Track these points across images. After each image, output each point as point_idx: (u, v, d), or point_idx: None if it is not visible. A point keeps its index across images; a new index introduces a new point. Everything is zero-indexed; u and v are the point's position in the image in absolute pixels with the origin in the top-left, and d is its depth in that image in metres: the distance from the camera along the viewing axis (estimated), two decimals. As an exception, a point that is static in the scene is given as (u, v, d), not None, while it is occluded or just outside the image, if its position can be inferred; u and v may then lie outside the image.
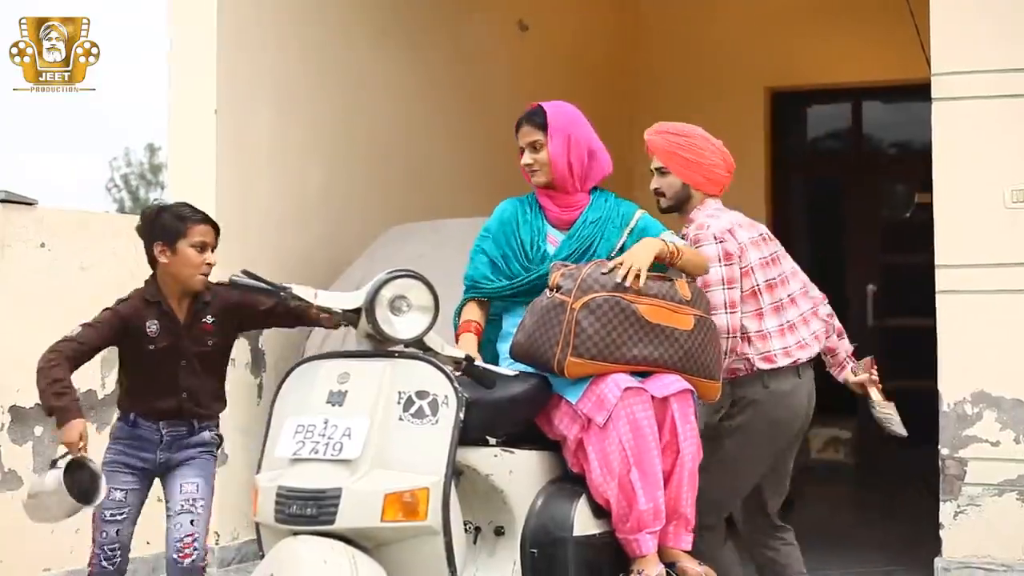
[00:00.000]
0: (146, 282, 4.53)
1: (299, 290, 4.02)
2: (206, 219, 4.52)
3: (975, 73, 6.15)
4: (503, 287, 4.55)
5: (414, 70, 8.36)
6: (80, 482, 4.12)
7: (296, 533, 3.64)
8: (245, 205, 6.80)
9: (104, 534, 4.41)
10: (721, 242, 4.75)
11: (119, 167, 39.98)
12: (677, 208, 4.95)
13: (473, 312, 4.58)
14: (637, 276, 4.26)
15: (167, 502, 4.48)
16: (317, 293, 4.05)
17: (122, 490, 4.42)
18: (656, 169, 4.94)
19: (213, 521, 6.40)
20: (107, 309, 4.44)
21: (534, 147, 4.58)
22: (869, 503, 9.47)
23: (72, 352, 4.24)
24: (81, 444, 4.11)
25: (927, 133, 6.28)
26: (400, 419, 3.76)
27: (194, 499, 4.45)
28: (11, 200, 5.68)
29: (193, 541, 4.40)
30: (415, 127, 8.35)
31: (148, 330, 4.41)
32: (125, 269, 5.90)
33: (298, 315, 4.48)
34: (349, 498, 3.61)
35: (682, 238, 4.73)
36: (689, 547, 4.35)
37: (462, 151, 8.72)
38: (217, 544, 6.44)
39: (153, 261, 4.49)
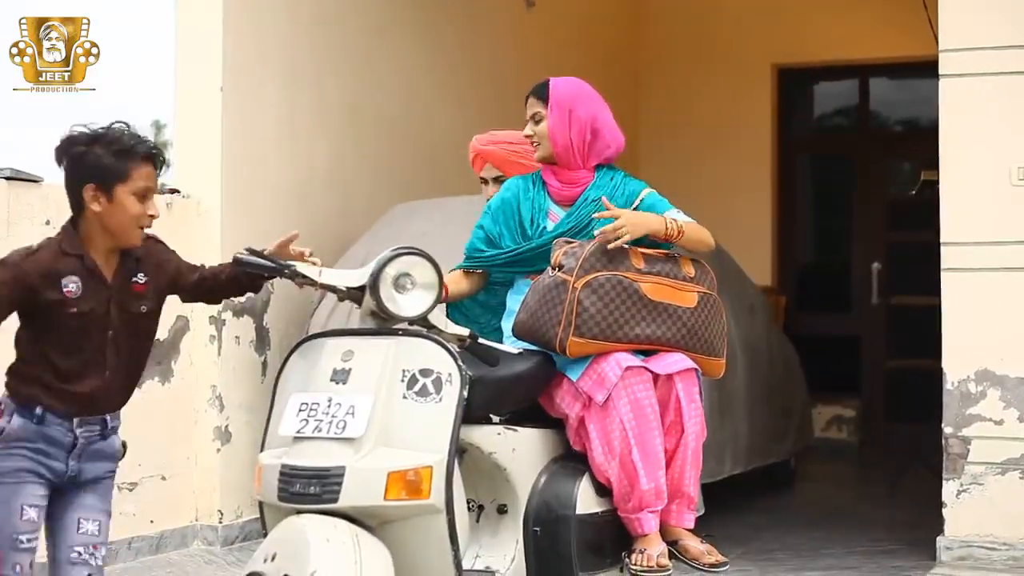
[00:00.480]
0: (64, 229, 3.68)
1: (303, 268, 4.01)
2: (150, 156, 3.67)
3: (982, 50, 6.14)
4: (495, 255, 4.54)
5: (421, 47, 8.34)
6: None
7: (299, 512, 3.63)
8: (251, 182, 6.80)
9: (18, 568, 3.52)
10: None
11: (125, 143, 39.94)
12: None
13: (451, 279, 4.55)
14: (617, 239, 4.23)
15: (56, 534, 3.64)
16: (321, 271, 4.03)
17: (36, 507, 3.55)
18: (493, 179, 5.03)
19: (217, 500, 6.47)
20: (3, 264, 3.56)
21: (535, 119, 4.57)
22: (872, 482, 9.48)
23: None
24: None
25: (934, 110, 6.27)
26: (404, 397, 3.76)
27: (95, 545, 3.65)
28: (17, 178, 5.68)
29: None
30: (422, 105, 8.34)
31: (65, 289, 3.56)
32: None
33: (233, 285, 3.97)
34: (352, 477, 3.61)
35: None
36: (692, 525, 4.36)
37: (469, 129, 8.62)
38: (221, 523, 6.46)
39: (78, 205, 3.65)
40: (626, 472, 4.16)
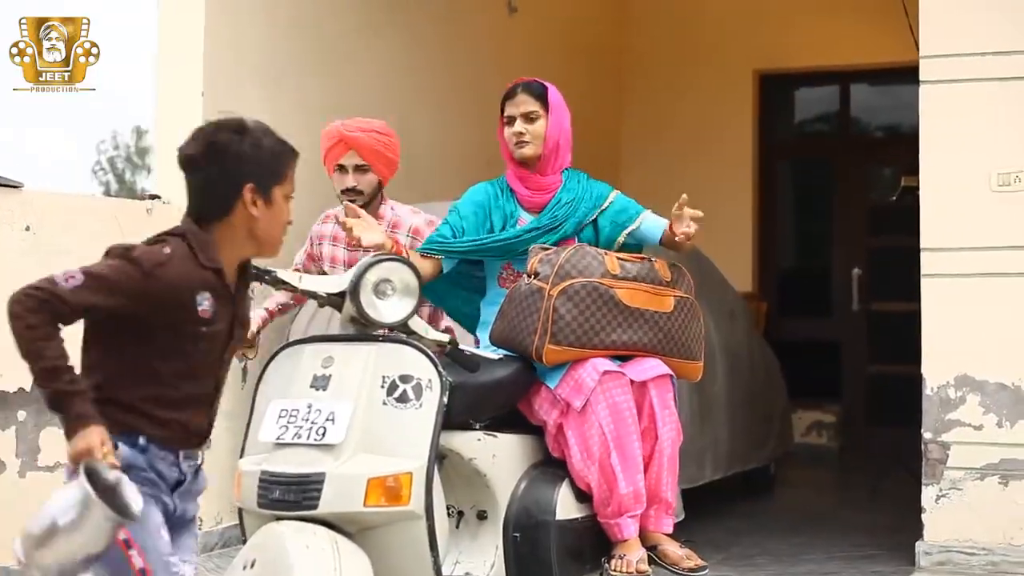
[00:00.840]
0: (194, 234, 3.12)
1: (283, 274, 4.00)
2: (296, 155, 3.25)
3: (963, 56, 6.15)
4: (457, 242, 4.49)
5: (403, 51, 8.34)
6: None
7: (279, 518, 3.63)
8: (231, 187, 6.78)
9: None
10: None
11: (106, 150, 39.84)
12: (366, 205, 5.02)
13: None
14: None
15: None
16: (302, 277, 4.04)
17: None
18: (354, 167, 4.99)
19: (197, 505, 6.44)
20: (125, 258, 2.99)
21: (529, 118, 4.52)
22: (852, 487, 9.49)
23: (55, 315, 2.87)
24: (105, 450, 2.84)
25: (914, 116, 6.28)
26: (384, 403, 3.76)
27: None
28: (-4, 183, 5.66)
29: None
30: (403, 109, 8.33)
31: (199, 308, 3.05)
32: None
33: None
34: (332, 483, 3.61)
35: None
36: (670, 530, 4.37)
37: (450, 133, 8.70)
38: (200, 529, 6.41)
39: (227, 207, 3.12)
40: (605, 476, 4.17)
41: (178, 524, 3.19)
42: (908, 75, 6.68)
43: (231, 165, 3.10)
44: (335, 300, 3.98)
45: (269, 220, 3.14)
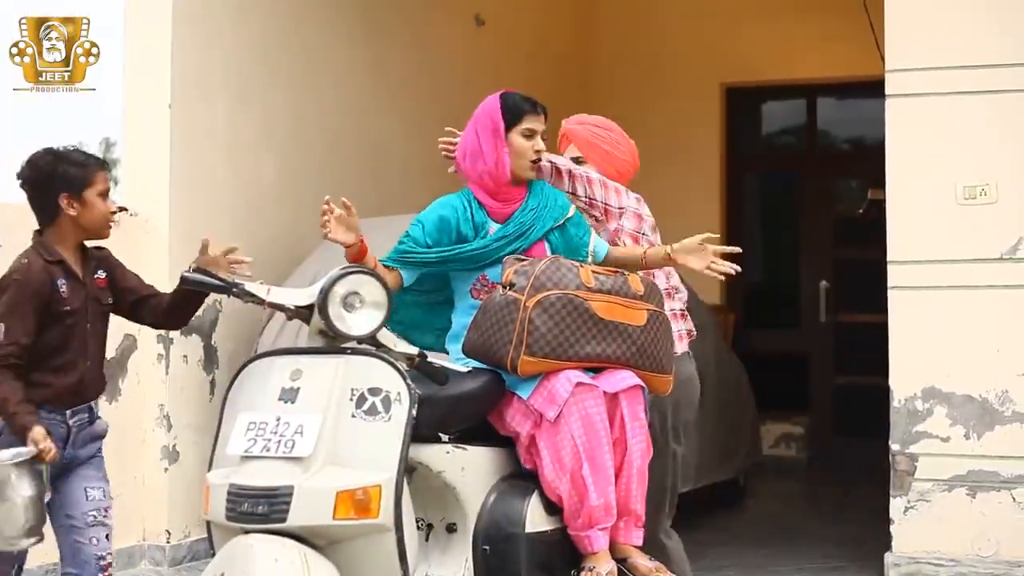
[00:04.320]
0: (36, 242, 4.13)
1: (251, 287, 4.00)
2: (104, 164, 4.24)
3: (928, 70, 6.19)
4: (426, 252, 4.42)
5: (369, 63, 8.34)
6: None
7: (247, 531, 3.62)
8: (199, 199, 6.77)
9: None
10: None
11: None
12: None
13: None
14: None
15: (68, 508, 4.12)
16: (270, 289, 4.03)
17: None
18: (572, 159, 4.95)
19: (164, 519, 6.42)
20: (4, 284, 4.01)
21: (543, 137, 4.55)
22: (821, 498, 9.52)
23: (15, 360, 3.92)
24: (44, 445, 3.86)
25: (881, 129, 6.32)
26: (352, 416, 3.75)
27: (104, 508, 4.16)
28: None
29: (112, 557, 4.18)
30: (370, 121, 8.34)
31: (60, 291, 4.03)
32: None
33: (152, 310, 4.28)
34: (301, 496, 3.60)
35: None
36: (640, 543, 4.36)
37: (416, 145, 8.70)
38: (168, 543, 6.41)
39: (50, 215, 4.11)
40: (576, 488, 4.16)
41: (75, 464, 4.12)
42: (874, 88, 6.71)
43: (45, 183, 4.10)
44: (303, 313, 3.96)
45: (87, 215, 4.11)
